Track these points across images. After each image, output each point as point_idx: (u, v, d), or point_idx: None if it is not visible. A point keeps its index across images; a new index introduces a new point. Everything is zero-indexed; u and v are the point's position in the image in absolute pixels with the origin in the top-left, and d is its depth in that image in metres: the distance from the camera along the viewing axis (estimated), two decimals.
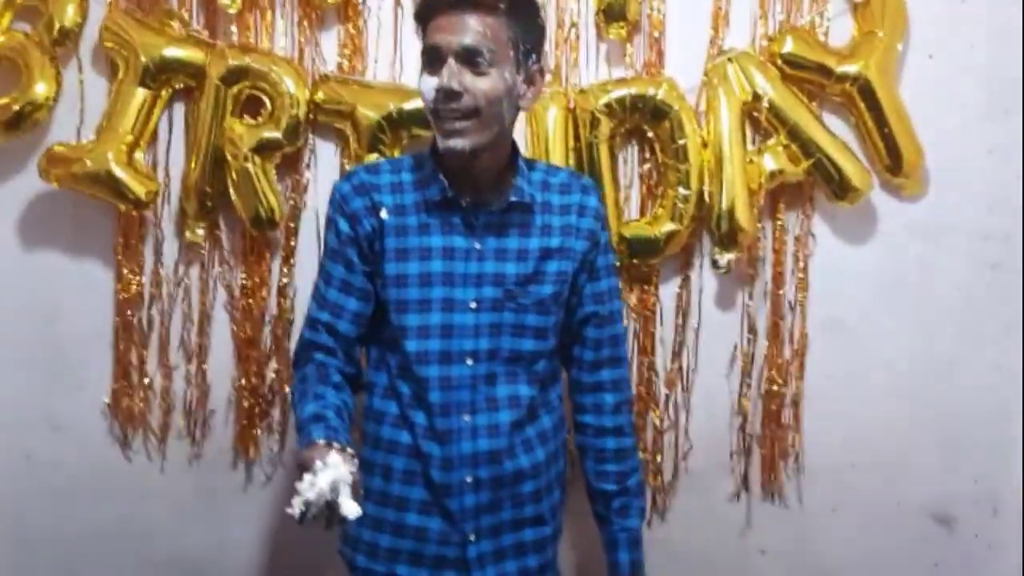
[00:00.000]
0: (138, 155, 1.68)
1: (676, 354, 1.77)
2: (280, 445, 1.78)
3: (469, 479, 1.37)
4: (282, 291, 1.74)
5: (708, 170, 1.68)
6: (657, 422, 1.77)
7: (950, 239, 1.77)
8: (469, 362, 1.37)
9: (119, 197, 1.66)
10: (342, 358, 1.40)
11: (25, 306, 1.76)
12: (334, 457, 1.17)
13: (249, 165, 1.64)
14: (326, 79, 1.68)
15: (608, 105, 1.66)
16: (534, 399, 1.41)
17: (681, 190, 1.68)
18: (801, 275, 1.76)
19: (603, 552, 1.50)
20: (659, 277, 1.75)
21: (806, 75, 1.69)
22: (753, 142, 1.72)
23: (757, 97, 1.67)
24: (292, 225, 1.73)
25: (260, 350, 1.75)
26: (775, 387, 1.77)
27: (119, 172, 1.64)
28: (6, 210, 1.74)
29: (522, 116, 1.64)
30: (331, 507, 1.15)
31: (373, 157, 1.64)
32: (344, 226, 1.38)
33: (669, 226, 1.69)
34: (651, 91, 1.66)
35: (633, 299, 1.75)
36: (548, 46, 1.69)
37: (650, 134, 1.70)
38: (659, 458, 1.78)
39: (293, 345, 1.54)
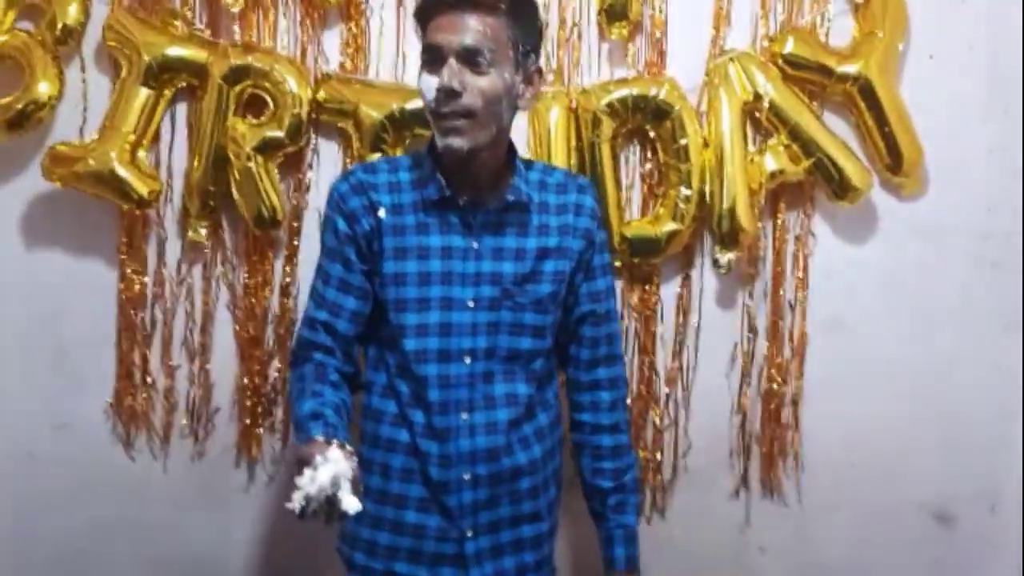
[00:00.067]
0: (141, 154, 1.69)
1: (676, 353, 1.77)
2: (283, 444, 1.78)
3: (467, 476, 1.38)
4: (285, 290, 1.75)
5: (709, 170, 1.68)
6: (657, 420, 1.78)
7: (950, 238, 1.77)
8: (467, 360, 1.38)
9: (122, 196, 1.66)
10: (340, 357, 1.40)
11: (28, 305, 1.76)
12: (334, 452, 1.17)
13: (252, 164, 1.64)
14: (328, 78, 1.68)
15: (610, 105, 1.66)
16: (531, 397, 1.42)
17: (682, 190, 1.68)
18: (801, 274, 1.76)
19: (599, 548, 1.50)
20: (660, 276, 1.76)
21: (807, 75, 1.69)
22: (754, 142, 1.72)
23: (758, 97, 1.67)
24: (295, 224, 1.73)
25: (263, 349, 1.75)
26: (775, 386, 1.77)
27: (122, 171, 1.64)
28: (9, 209, 1.74)
29: (524, 116, 1.66)
30: (331, 502, 1.15)
31: (376, 157, 1.64)
32: (342, 225, 1.39)
33: (670, 226, 1.69)
34: (653, 91, 1.66)
35: (634, 298, 1.76)
36: (550, 46, 1.70)
37: (652, 134, 1.70)
38: (659, 456, 1.79)
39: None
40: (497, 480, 1.40)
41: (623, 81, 1.69)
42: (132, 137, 1.66)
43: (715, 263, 1.72)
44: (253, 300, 1.75)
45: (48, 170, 1.66)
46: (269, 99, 1.67)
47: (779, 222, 1.76)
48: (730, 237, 1.68)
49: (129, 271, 1.74)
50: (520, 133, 1.65)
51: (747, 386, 1.78)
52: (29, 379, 1.77)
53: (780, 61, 1.69)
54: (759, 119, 1.70)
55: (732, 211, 1.67)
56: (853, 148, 1.72)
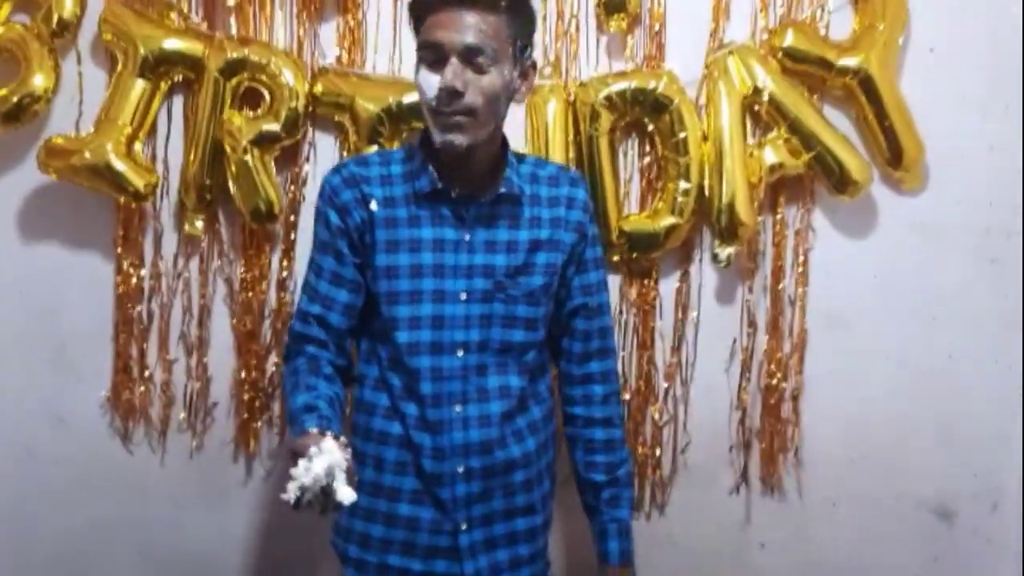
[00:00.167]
0: (137, 147, 1.68)
1: (676, 348, 1.77)
2: (280, 438, 1.78)
3: (460, 469, 1.38)
4: (282, 284, 1.74)
5: (708, 164, 1.67)
6: (656, 416, 1.77)
7: (950, 234, 1.77)
8: (460, 353, 1.38)
9: (118, 189, 1.66)
10: (333, 350, 1.40)
11: (24, 299, 1.76)
12: (329, 443, 1.18)
13: (248, 158, 1.64)
14: (325, 71, 1.68)
15: (608, 98, 1.65)
16: (524, 390, 1.42)
17: (681, 184, 1.68)
18: (801, 269, 1.76)
19: (593, 542, 1.50)
20: (659, 271, 1.75)
21: (807, 68, 1.69)
22: (754, 135, 1.72)
23: (758, 90, 1.67)
24: (291, 218, 1.72)
25: (260, 343, 1.75)
26: (775, 381, 1.77)
27: (118, 164, 1.64)
28: (5, 203, 1.74)
29: (521, 109, 1.65)
30: (326, 492, 1.15)
31: (373, 150, 1.63)
32: (334, 218, 1.39)
33: (669, 220, 1.69)
34: (651, 84, 1.65)
35: (633, 293, 1.75)
36: (548, 38, 1.69)
37: (650, 127, 1.70)
38: (658, 452, 1.78)
39: None
40: (490, 473, 1.40)
41: (622, 74, 1.68)
42: (128, 130, 1.66)
43: (714, 257, 1.71)
44: (250, 294, 1.74)
45: (44, 163, 1.66)
46: (265, 92, 1.66)
47: (779, 216, 1.75)
48: (729, 231, 1.68)
49: (126, 265, 1.74)
50: (518, 126, 1.64)
51: (747, 381, 1.77)
52: (26, 373, 1.77)
53: (780, 54, 1.68)
54: (759, 113, 1.69)
55: (731, 205, 1.66)
56: (853, 142, 1.71)
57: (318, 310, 1.40)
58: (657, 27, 1.69)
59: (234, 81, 1.65)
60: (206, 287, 1.75)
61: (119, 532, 1.80)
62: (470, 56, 1.29)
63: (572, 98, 1.68)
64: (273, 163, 1.68)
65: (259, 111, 1.67)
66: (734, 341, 1.77)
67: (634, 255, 1.71)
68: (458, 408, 1.38)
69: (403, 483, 1.40)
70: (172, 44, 1.64)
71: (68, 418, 1.78)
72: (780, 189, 1.74)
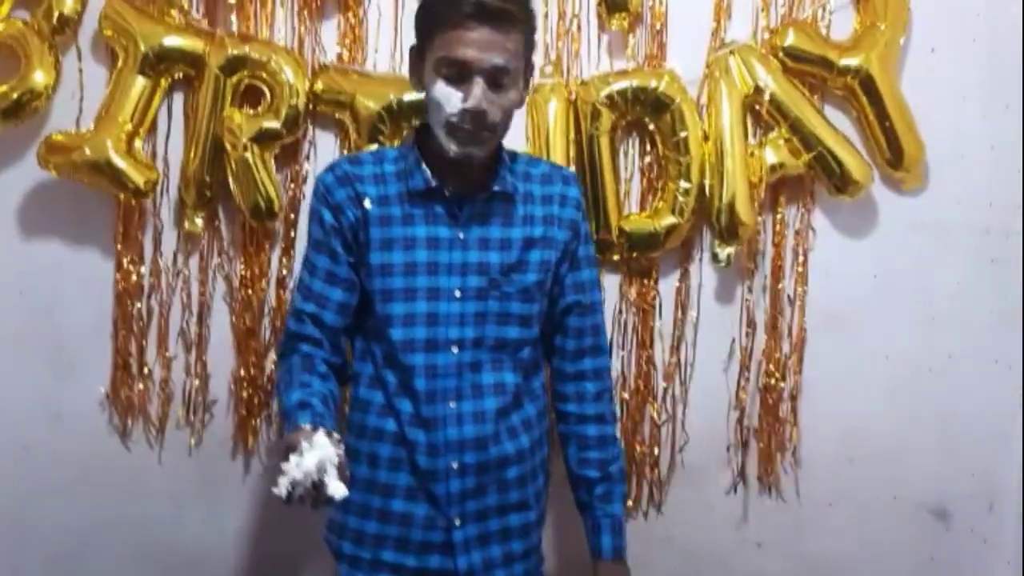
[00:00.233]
0: (137, 144, 1.68)
1: (675, 348, 1.77)
2: (279, 436, 1.78)
3: (455, 465, 1.39)
4: (281, 282, 1.74)
5: (709, 163, 1.67)
6: (655, 415, 1.78)
7: (950, 233, 1.77)
8: (455, 350, 1.38)
9: (118, 186, 1.65)
10: (328, 348, 1.41)
11: (24, 296, 1.75)
12: (320, 438, 1.18)
13: (248, 155, 1.63)
14: (326, 69, 1.67)
15: (609, 97, 1.65)
16: (519, 386, 1.43)
17: (682, 183, 1.68)
18: (801, 269, 1.76)
19: (586, 538, 1.50)
20: (659, 270, 1.75)
21: (808, 68, 1.69)
22: (754, 135, 1.72)
23: (759, 90, 1.67)
24: (291, 216, 1.72)
25: (259, 341, 1.75)
26: (773, 381, 1.77)
27: (118, 161, 1.64)
28: (5, 199, 1.73)
29: (522, 108, 1.64)
30: (317, 486, 1.15)
31: (373, 148, 1.63)
32: (328, 217, 1.39)
33: (669, 219, 1.69)
34: (652, 83, 1.65)
35: (633, 292, 1.75)
36: (550, 37, 1.69)
37: (651, 127, 1.70)
38: (656, 451, 1.78)
39: None
40: (484, 469, 1.40)
41: (623, 73, 1.68)
42: (128, 127, 1.65)
43: (714, 257, 1.71)
44: (249, 291, 1.74)
45: (44, 160, 1.65)
46: (266, 90, 1.66)
47: (779, 216, 1.75)
48: (729, 231, 1.68)
49: (125, 262, 1.74)
50: (518, 125, 1.64)
51: (745, 381, 1.77)
52: (25, 370, 1.77)
53: (781, 54, 1.68)
54: (760, 112, 1.69)
55: (732, 205, 1.66)
56: (854, 142, 1.71)
57: (312, 308, 1.40)
58: (658, 26, 1.69)
59: (235, 78, 1.65)
60: (206, 284, 1.75)
61: (117, 529, 1.80)
62: (496, 76, 1.30)
63: (573, 97, 1.68)
64: (273, 161, 1.68)
65: (259, 109, 1.67)
66: (733, 341, 1.77)
67: (634, 254, 1.71)
68: (452, 404, 1.39)
69: (397, 479, 1.40)
70: (173, 41, 1.64)
71: (67, 415, 1.78)
72: (780, 189, 1.74)
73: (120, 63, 1.65)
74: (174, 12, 1.67)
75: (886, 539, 1.82)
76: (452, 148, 1.33)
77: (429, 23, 1.32)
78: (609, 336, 1.74)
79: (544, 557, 1.52)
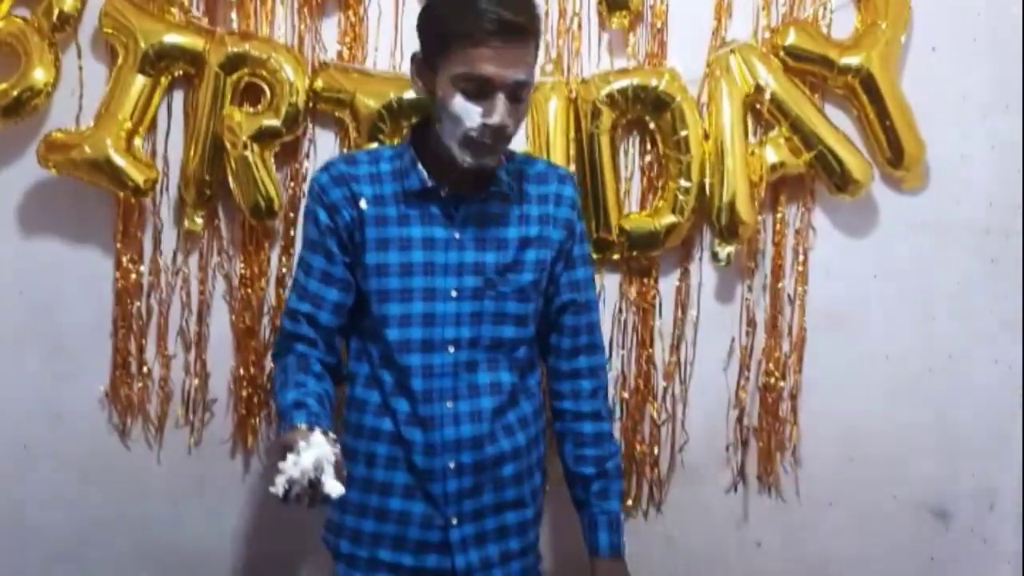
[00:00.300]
0: (137, 142, 1.68)
1: (674, 347, 1.77)
2: (276, 435, 1.78)
3: (452, 464, 1.39)
4: (281, 281, 1.74)
5: (709, 162, 1.67)
6: (654, 415, 1.77)
7: (950, 233, 1.77)
8: (451, 350, 1.39)
9: (118, 184, 1.65)
10: (323, 348, 1.41)
11: (23, 294, 1.75)
12: (317, 437, 1.18)
13: (248, 153, 1.63)
14: (326, 67, 1.67)
15: (610, 96, 1.65)
16: (515, 385, 1.43)
17: (682, 182, 1.67)
18: (801, 268, 1.76)
19: (583, 535, 1.50)
20: (659, 269, 1.75)
21: (808, 67, 1.68)
22: (755, 134, 1.71)
23: (759, 89, 1.66)
24: (291, 215, 1.72)
25: (259, 340, 1.75)
26: (773, 380, 1.77)
27: (118, 159, 1.63)
28: (4, 197, 1.73)
29: None
30: (314, 485, 1.15)
31: (373, 146, 1.63)
32: (324, 217, 1.39)
33: (670, 218, 1.68)
34: (653, 82, 1.65)
35: (633, 292, 1.75)
36: (550, 36, 1.69)
37: (652, 125, 1.69)
38: (656, 450, 1.78)
39: None
40: (481, 468, 1.41)
41: (623, 71, 1.68)
42: (128, 125, 1.65)
43: (714, 256, 1.71)
44: (249, 290, 1.74)
45: (44, 157, 1.65)
46: (266, 88, 1.66)
47: (779, 215, 1.75)
48: (730, 230, 1.67)
49: (125, 260, 1.73)
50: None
51: (745, 380, 1.77)
52: (24, 369, 1.76)
53: (782, 53, 1.68)
54: (760, 111, 1.69)
55: (732, 204, 1.66)
56: (854, 141, 1.71)
57: (308, 308, 1.40)
58: (659, 25, 1.69)
59: (235, 76, 1.65)
60: (205, 283, 1.75)
61: (117, 528, 1.80)
62: (516, 90, 1.30)
63: (573, 95, 1.68)
64: (273, 159, 1.67)
65: (259, 107, 1.67)
66: (733, 340, 1.77)
67: (634, 253, 1.71)
68: (449, 404, 1.39)
69: (394, 478, 1.40)
70: (173, 39, 1.64)
71: (66, 414, 1.78)
72: (781, 188, 1.74)
73: (120, 61, 1.65)
74: (174, 10, 1.67)
75: (886, 539, 1.82)
76: (467, 160, 1.33)
77: (444, 36, 1.29)
78: (609, 335, 1.74)
79: (542, 556, 1.52)
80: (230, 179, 1.65)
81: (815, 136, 1.67)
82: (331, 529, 1.45)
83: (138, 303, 1.75)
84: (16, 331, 1.76)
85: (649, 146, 1.72)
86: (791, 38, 1.67)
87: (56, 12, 1.63)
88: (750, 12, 1.70)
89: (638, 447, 1.77)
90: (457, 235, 1.38)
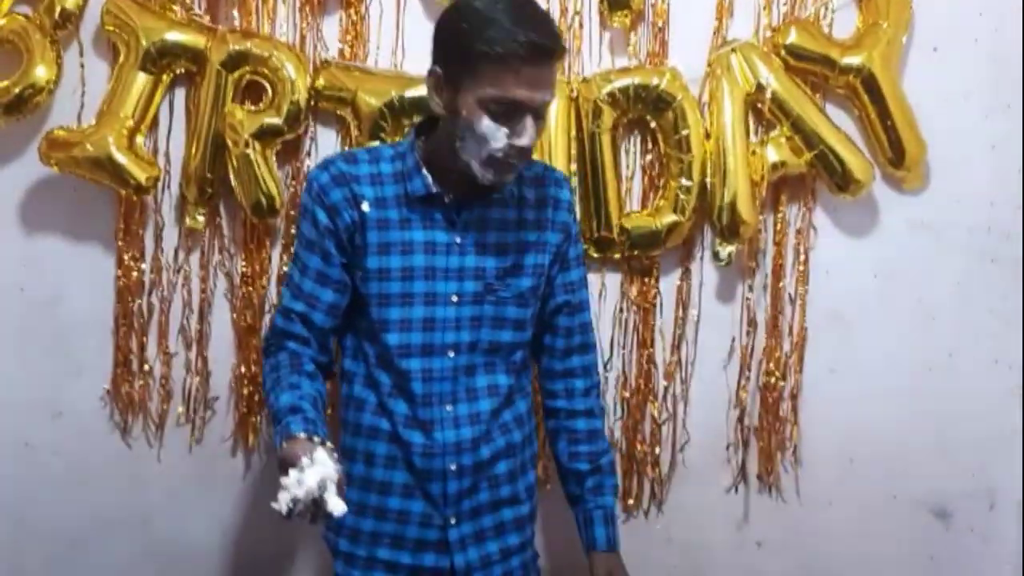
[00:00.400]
0: (139, 140, 1.68)
1: (675, 346, 1.77)
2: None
3: (453, 467, 1.39)
4: (282, 279, 1.74)
5: (711, 161, 1.67)
6: (655, 414, 1.78)
7: (951, 233, 1.77)
8: (451, 354, 1.39)
9: (119, 182, 1.65)
10: (316, 348, 1.40)
11: (25, 292, 1.75)
12: (321, 455, 1.18)
13: (249, 151, 1.63)
14: (327, 65, 1.67)
15: (611, 95, 1.65)
16: (512, 387, 1.44)
17: (683, 181, 1.67)
18: (802, 268, 1.76)
19: (579, 532, 1.51)
20: (660, 269, 1.75)
21: (810, 66, 1.68)
22: (756, 133, 1.71)
23: (760, 88, 1.66)
24: (292, 213, 1.72)
25: (260, 338, 1.74)
26: (774, 380, 1.77)
27: (120, 157, 1.64)
28: (6, 195, 1.73)
29: None
30: (317, 504, 1.15)
31: (375, 144, 1.63)
32: (323, 217, 1.37)
33: (671, 218, 1.69)
34: (654, 81, 1.65)
35: (634, 291, 1.75)
36: None
37: (653, 124, 1.69)
38: (657, 450, 1.78)
39: None
40: (479, 468, 1.41)
41: (625, 70, 1.68)
42: (130, 123, 1.65)
43: (715, 256, 1.71)
44: (250, 288, 1.74)
45: (45, 155, 1.65)
46: (268, 86, 1.66)
47: (780, 215, 1.75)
48: (731, 230, 1.67)
49: (126, 258, 1.73)
50: None
51: (746, 380, 1.77)
52: (25, 366, 1.76)
53: (783, 52, 1.68)
54: (761, 110, 1.69)
55: (733, 203, 1.66)
56: (855, 141, 1.71)
57: (302, 308, 1.39)
58: (660, 24, 1.69)
59: (236, 74, 1.65)
60: (206, 281, 1.75)
61: (117, 525, 1.80)
62: (541, 110, 1.30)
63: (575, 94, 1.68)
64: (275, 157, 1.68)
65: (261, 105, 1.67)
66: (734, 340, 1.77)
67: (635, 253, 1.71)
68: (448, 407, 1.39)
69: (394, 477, 1.40)
70: (174, 36, 1.64)
71: (67, 411, 1.78)
72: (782, 187, 1.74)
73: (122, 58, 1.65)
74: (176, 7, 1.67)
75: (886, 538, 1.82)
76: (488, 178, 1.32)
77: (472, 55, 1.26)
78: (610, 334, 1.74)
79: (537, 552, 1.52)
80: (232, 177, 1.65)
81: (816, 136, 1.67)
82: (331, 527, 1.46)
83: (139, 301, 1.75)
84: (18, 328, 1.76)
85: (650, 145, 1.72)
86: (792, 37, 1.67)
87: (58, 10, 1.63)
88: (751, 11, 1.70)
89: (639, 446, 1.77)
90: (458, 240, 1.38)
